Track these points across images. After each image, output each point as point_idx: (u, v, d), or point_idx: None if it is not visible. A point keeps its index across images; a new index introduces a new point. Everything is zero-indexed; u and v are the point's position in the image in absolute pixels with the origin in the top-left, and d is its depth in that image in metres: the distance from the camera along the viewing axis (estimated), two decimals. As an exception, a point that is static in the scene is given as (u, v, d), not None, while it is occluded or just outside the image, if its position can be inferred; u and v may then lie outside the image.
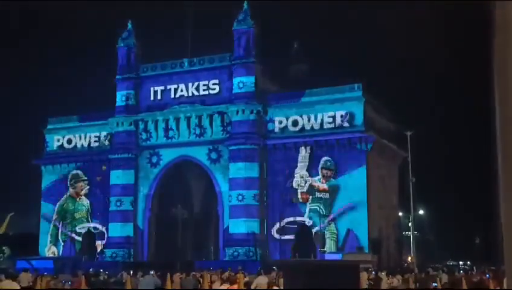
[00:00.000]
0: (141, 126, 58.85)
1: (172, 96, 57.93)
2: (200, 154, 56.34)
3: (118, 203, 57.97)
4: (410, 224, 54.78)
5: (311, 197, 52.88)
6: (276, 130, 54.79)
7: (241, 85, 54.85)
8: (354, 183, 51.00)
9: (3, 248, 70.80)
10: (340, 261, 29.73)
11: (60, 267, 43.78)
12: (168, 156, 57.85)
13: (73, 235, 61.60)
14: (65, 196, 62.73)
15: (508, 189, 2.34)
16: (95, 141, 62.32)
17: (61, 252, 61.22)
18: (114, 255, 56.82)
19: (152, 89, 58.91)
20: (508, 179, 2.34)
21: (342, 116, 52.68)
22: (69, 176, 62.44)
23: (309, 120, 53.66)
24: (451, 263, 73.25)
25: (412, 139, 49.69)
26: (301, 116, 53.93)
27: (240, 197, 53.27)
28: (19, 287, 16.33)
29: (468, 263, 73.89)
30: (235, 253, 52.11)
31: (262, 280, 21.58)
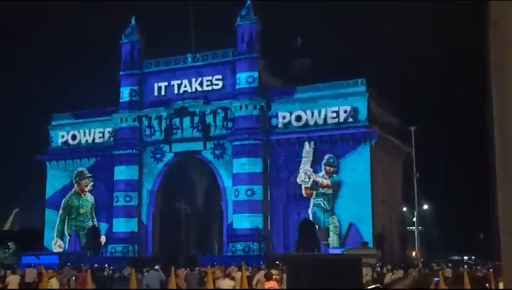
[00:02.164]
0: (145, 122, 58.94)
1: (175, 92, 57.95)
2: (204, 149, 56.38)
3: (127, 199, 58.09)
4: (414, 219, 54.82)
5: (314, 192, 52.94)
6: (280, 125, 54.76)
7: (244, 80, 54.83)
8: (358, 178, 50.98)
9: (9, 243, 71.18)
10: (342, 255, 29.81)
11: (64, 263, 43.96)
12: (172, 151, 57.94)
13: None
14: (70, 192, 63.00)
15: (506, 186, 2.37)
16: (100, 137, 62.48)
17: (67, 246, 61.55)
18: (113, 250, 57.00)
19: (156, 84, 58.97)
20: (505, 178, 2.37)
21: (345, 111, 52.66)
22: (74, 173, 62.64)
23: (312, 115, 53.62)
24: (456, 258, 73.20)
25: (416, 135, 49.75)
26: (305, 111, 53.88)
27: (244, 193, 53.31)
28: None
29: (473, 258, 73.82)
30: (239, 248, 52.20)
31: (262, 276, 21.60)
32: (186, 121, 57.06)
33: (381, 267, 32.90)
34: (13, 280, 24.26)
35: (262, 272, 22.03)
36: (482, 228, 74.91)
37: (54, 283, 17.02)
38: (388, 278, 27.48)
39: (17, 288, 24.10)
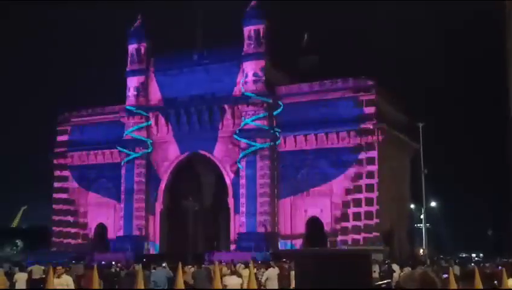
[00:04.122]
0: (152, 120, 58.97)
1: (182, 89, 57.90)
2: (211, 147, 56.38)
3: (135, 196, 58.16)
4: (422, 216, 54.56)
5: (322, 188, 52.80)
6: (287, 122, 54.59)
7: (251, 78, 54.71)
8: (366, 175, 50.83)
9: (17, 241, 71.59)
10: (351, 250, 29.68)
11: (72, 260, 44.12)
12: (179, 149, 57.98)
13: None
14: (77, 189, 63.15)
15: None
16: (107, 135, 62.48)
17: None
18: (121, 247, 57.05)
19: (162, 82, 58.96)
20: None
21: (353, 107, 52.44)
22: (81, 172, 62.76)
23: (320, 112, 53.42)
24: (464, 255, 72.90)
25: (424, 131, 49.52)
26: (312, 108, 53.69)
27: (251, 190, 53.26)
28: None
29: (481, 255, 73.49)
30: (246, 245, 52.13)
31: (272, 272, 21.54)
32: (194, 118, 57.04)
33: (388, 264, 32.76)
34: (21, 278, 24.33)
35: (271, 269, 21.95)
36: (491, 225, 74.67)
37: (69, 280, 17.01)
38: (397, 275, 27.38)
39: (26, 285, 24.17)
